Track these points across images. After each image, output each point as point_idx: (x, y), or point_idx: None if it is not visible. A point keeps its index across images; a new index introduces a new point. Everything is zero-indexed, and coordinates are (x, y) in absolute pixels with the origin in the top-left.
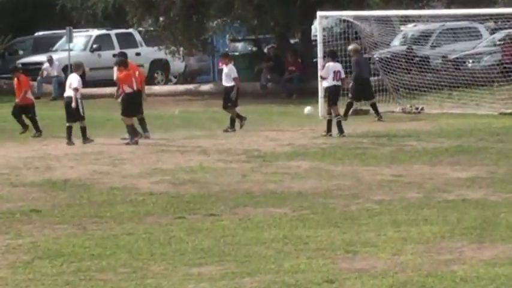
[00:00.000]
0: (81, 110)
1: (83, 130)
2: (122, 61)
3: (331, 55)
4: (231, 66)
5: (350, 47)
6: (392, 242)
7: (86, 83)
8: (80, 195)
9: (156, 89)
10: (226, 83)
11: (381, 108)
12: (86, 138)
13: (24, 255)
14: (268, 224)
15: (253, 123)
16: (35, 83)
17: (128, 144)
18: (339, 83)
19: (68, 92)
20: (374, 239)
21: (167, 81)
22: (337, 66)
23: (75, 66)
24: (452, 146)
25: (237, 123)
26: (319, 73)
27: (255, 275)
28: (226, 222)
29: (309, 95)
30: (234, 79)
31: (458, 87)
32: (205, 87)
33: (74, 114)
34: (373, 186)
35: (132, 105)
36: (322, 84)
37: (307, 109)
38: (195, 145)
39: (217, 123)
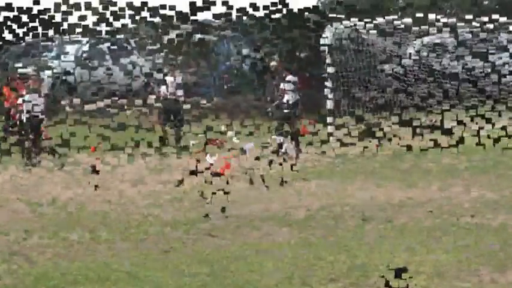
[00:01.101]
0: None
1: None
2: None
3: (288, 68)
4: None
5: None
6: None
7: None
8: (70, 216)
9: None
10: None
11: None
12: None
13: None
14: (272, 247)
15: (257, 140)
16: None
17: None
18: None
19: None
20: (386, 264)
21: None
22: (295, 78)
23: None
24: (471, 166)
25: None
26: (287, 89)
27: None
28: (227, 245)
29: (316, 108)
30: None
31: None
32: (203, 100)
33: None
34: (386, 208)
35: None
36: (285, 98)
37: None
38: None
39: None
